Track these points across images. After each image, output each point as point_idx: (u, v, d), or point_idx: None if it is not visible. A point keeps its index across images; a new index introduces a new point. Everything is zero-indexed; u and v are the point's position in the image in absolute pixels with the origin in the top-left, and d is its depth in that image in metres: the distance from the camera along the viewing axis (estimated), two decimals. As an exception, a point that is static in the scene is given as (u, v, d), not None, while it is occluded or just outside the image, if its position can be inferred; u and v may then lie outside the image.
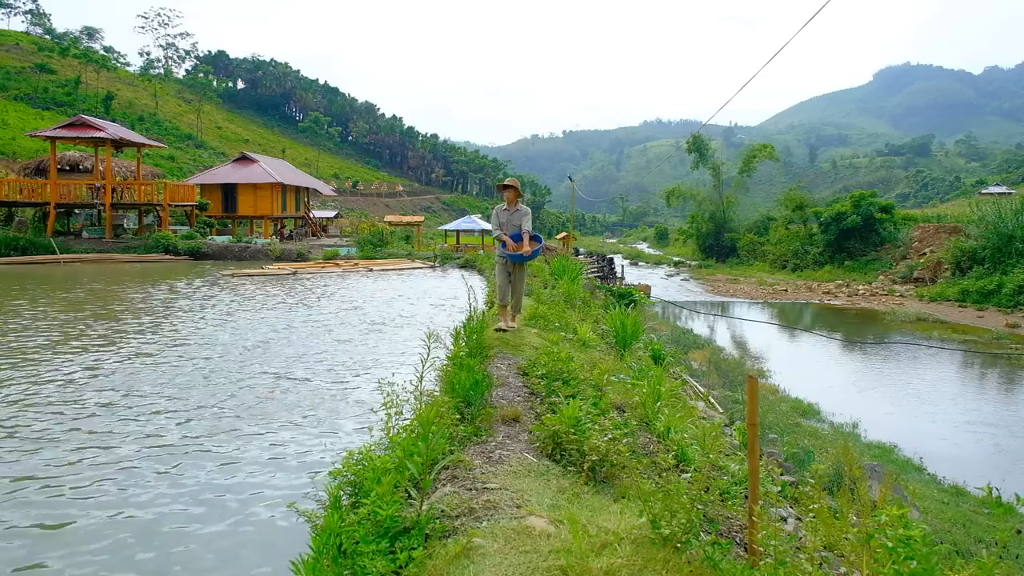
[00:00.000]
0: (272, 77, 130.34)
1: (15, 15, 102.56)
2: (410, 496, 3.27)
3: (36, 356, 8.70)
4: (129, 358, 8.73)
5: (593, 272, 25.10)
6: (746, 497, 3.28)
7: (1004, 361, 19.18)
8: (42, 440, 5.64)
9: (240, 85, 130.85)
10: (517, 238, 7.72)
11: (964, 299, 29.63)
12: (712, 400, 11.07)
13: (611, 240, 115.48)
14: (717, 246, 56.90)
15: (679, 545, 2.87)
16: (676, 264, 58.20)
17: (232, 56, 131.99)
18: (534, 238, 7.72)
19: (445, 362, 5.81)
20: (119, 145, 30.10)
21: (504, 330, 7.51)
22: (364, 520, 2.95)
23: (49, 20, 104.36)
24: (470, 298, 6.74)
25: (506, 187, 7.93)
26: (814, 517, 3.86)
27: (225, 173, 36.84)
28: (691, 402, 8.39)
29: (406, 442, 3.56)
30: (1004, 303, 27.70)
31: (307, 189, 42.20)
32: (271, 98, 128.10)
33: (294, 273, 21.35)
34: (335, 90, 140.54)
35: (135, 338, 10.12)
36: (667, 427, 5.09)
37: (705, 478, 3.61)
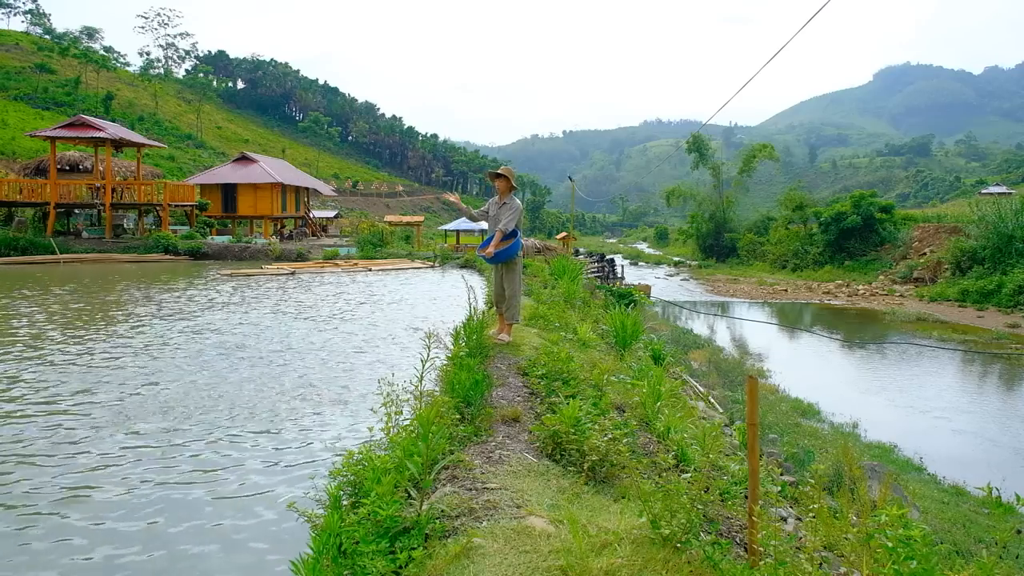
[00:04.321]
0: (272, 77, 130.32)
1: (15, 15, 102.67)
2: (410, 496, 3.27)
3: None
4: (120, 355, 8.73)
5: (593, 272, 25.10)
6: (746, 497, 3.28)
7: (1004, 361, 19.18)
8: (35, 438, 5.64)
9: (240, 85, 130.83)
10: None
11: (964, 299, 29.64)
12: (712, 400, 11.07)
13: (611, 240, 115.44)
14: (717, 246, 56.92)
15: (679, 545, 2.88)
16: (676, 264, 58.23)
17: (232, 56, 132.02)
18: (507, 236, 7.07)
19: (445, 362, 5.81)
20: (119, 145, 30.08)
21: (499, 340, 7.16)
22: (364, 520, 2.95)
23: (49, 20, 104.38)
24: (470, 298, 6.73)
25: (497, 175, 7.13)
26: (814, 517, 3.85)
27: (225, 173, 36.82)
28: (691, 402, 8.38)
29: (406, 442, 3.56)
30: (1004, 303, 27.72)
31: (307, 189, 42.19)
32: (271, 98, 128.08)
33: (293, 273, 21.34)
34: (335, 90, 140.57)
35: (127, 334, 10.12)
36: (667, 427, 5.09)
37: (705, 478, 3.61)
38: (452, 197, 8.03)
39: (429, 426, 3.49)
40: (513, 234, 7.14)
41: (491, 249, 7.02)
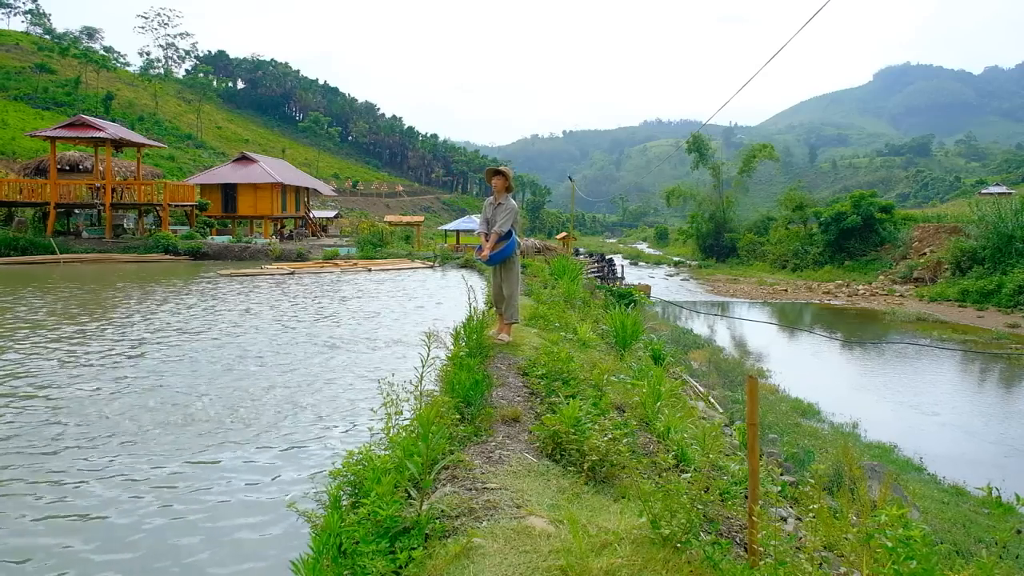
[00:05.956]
0: (272, 77, 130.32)
1: (15, 15, 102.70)
2: (410, 496, 3.27)
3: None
4: (128, 355, 8.73)
5: (593, 272, 25.11)
6: (746, 497, 3.28)
7: (1004, 361, 19.18)
8: (30, 438, 5.64)
9: (240, 85, 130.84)
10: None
11: (964, 299, 29.65)
12: (712, 400, 11.08)
13: (611, 240, 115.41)
14: (717, 246, 56.92)
15: (679, 545, 2.88)
16: (676, 264, 58.24)
17: (232, 56, 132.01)
18: (503, 237, 7.05)
19: (445, 362, 5.81)
20: (119, 145, 30.07)
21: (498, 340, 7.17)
22: (364, 520, 2.95)
23: (49, 20, 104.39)
24: (470, 298, 6.73)
25: (497, 172, 7.09)
26: (814, 517, 3.85)
27: (225, 173, 36.82)
28: (691, 402, 8.39)
29: (406, 442, 3.56)
30: (1004, 303, 27.72)
31: (307, 189, 42.19)
32: (271, 98, 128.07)
33: (292, 273, 21.34)
34: (335, 90, 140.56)
35: (123, 336, 10.12)
36: (667, 427, 5.08)
37: (705, 478, 3.61)
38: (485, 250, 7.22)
39: (429, 426, 3.49)
40: (508, 235, 7.16)
41: (487, 251, 7.07)
